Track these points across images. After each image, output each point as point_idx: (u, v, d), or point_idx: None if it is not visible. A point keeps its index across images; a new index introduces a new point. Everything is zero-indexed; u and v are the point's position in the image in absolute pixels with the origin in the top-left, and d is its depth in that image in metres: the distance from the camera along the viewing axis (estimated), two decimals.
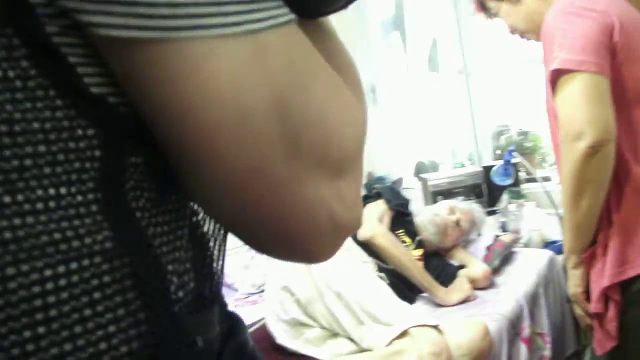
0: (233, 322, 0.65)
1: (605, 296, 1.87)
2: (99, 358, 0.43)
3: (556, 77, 1.76)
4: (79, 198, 0.42)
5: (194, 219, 0.56)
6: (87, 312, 0.42)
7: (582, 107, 1.70)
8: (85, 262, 0.42)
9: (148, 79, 0.41)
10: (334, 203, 0.50)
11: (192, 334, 0.50)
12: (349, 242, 2.68)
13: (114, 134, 0.44)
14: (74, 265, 0.42)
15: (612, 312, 1.87)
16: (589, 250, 1.89)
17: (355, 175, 0.53)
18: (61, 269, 0.41)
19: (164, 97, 0.42)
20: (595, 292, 1.89)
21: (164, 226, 0.49)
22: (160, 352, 0.46)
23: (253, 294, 3.38)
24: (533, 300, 2.90)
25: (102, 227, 0.43)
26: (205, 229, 0.58)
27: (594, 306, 1.90)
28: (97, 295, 0.43)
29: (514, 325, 2.61)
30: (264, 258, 3.49)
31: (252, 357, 0.65)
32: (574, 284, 2.00)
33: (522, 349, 2.65)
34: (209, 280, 0.57)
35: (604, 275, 1.84)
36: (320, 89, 0.48)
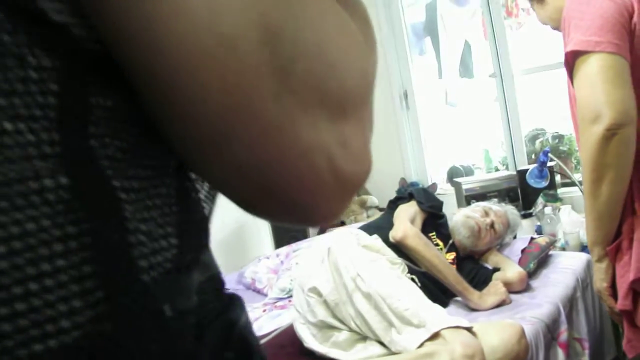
0: (229, 301, 0.57)
1: (634, 292, 1.76)
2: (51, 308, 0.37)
3: (572, 60, 1.70)
4: (30, 137, 0.36)
5: (184, 179, 0.49)
6: (32, 270, 0.36)
7: (598, 88, 1.63)
8: (32, 212, 0.36)
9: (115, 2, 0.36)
10: (336, 149, 0.44)
11: (159, 301, 0.43)
12: (379, 242, 2.62)
13: (75, 68, 0.38)
14: (18, 216, 0.35)
15: None
16: (614, 243, 1.79)
17: (362, 121, 0.47)
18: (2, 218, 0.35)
19: (133, 20, 0.36)
20: (623, 287, 1.78)
21: (136, 181, 0.43)
22: (119, 319, 0.40)
23: (282, 298, 3.32)
24: (570, 304, 2.80)
25: (56, 172, 0.37)
26: (197, 190, 0.52)
27: (622, 303, 1.80)
28: (44, 251, 0.36)
29: (550, 330, 2.52)
30: (293, 262, 3.45)
31: (242, 337, 0.56)
32: (599, 279, 1.92)
33: (560, 354, 2.56)
34: (194, 247, 0.49)
35: (630, 269, 1.73)
36: (318, 15, 0.42)
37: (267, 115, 0.39)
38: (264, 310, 3.25)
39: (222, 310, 0.55)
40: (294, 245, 3.88)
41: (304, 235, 4.46)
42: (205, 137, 0.40)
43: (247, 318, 0.58)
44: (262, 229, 4.65)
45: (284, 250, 3.90)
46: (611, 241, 1.81)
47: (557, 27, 2.00)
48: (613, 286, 1.88)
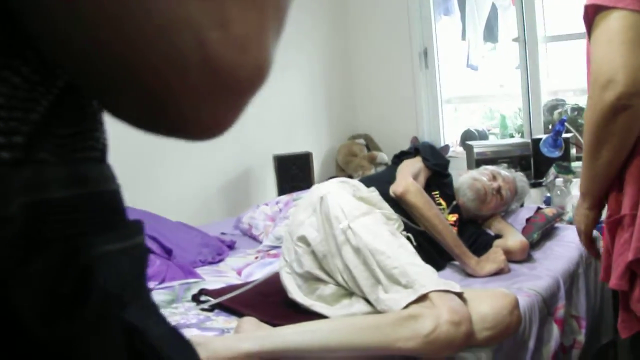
0: (108, 226, 0.48)
1: (631, 272, 1.64)
2: None
3: (593, 14, 1.54)
4: None
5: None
6: None
7: (615, 50, 1.47)
8: None
9: None
10: (210, 29, 0.36)
11: None
12: (376, 195, 2.50)
13: None
14: None
15: (639, 291, 1.64)
16: (614, 217, 1.67)
17: (260, 5, 0.39)
18: None
19: None
20: (620, 266, 1.65)
21: None
22: None
23: (276, 247, 3.23)
24: (571, 279, 2.69)
25: None
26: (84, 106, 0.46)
27: (616, 282, 1.67)
28: None
29: (547, 304, 2.41)
30: (291, 211, 3.35)
31: (88, 270, 0.44)
32: (585, 224, 1.84)
33: (554, 330, 2.44)
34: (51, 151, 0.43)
35: (630, 248, 1.61)
36: None
37: None
38: (256, 257, 3.18)
39: (81, 234, 0.45)
40: (295, 194, 3.78)
41: (308, 185, 4.36)
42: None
43: (128, 255, 0.49)
44: (267, 175, 4.55)
45: (285, 198, 3.82)
46: (604, 195, 1.74)
47: None
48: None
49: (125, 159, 3.59)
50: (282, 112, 4.77)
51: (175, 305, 2.52)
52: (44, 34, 0.37)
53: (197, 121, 0.39)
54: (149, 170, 3.87)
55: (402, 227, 2.49)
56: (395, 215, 2.48)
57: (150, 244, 2.94)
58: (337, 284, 2.22)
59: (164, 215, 3.50)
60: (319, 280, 2.25)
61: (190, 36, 0.35)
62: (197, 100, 0.38)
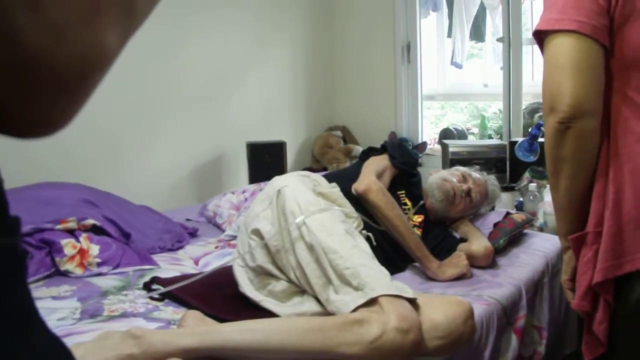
0: None
1: (594, 293, 1.57)
2: None
3: (539, 42, 1.55)
4: None
5: None
6: None
7: (554, 75, 1.46)
8: None
9: None
10: (18, 9, 0.31)
11: None
12: (337, 192, 2.43)
13: None
14: None
15: (601, 313, 1.56)
16: (577, 233, 1.61)
17: None
18: None
19: None
20: (582, 286, 1.59)
21: None
22: None
23: (237, 237, 3.14)
24: (535, 289, 2.62)
25: None
26: None
27: (578, 303, 1.61)
28: None
29: (507, 313, 2.34)
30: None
31: None
32: (564, 270, 1.76)
33: (513, 340, 2.38)
34: None
35: (593, 268, 1.54)
36: None
37: None
38: (216, 247, 3.11)
39: None
40: (262, 184, 3.70)
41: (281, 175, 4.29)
42: None
43: None
44: (240, 163, 4.47)
45: (252, 187, 3.75)
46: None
47: None
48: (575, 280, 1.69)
49: (93, 138, 3.55)
50: (260, 99, 4.70)
51: (125, 292, 2.45)
52: None
53: (18, 117, 0.34)
54: (117, 150, 3.79)
55: (362, 226, 2.42)
56: (355, 214, 2.41)
57: (108, 227, 2.86)
58: (289, 280, 2.14)
59: (131, 198, 3.42)
60: (271, 275, 2.18)
61: None
62: (11, 93, 0.32)
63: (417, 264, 2.60)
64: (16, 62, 0.31)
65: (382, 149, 2.84)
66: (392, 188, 2.68)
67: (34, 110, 0.34)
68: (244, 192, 3.70)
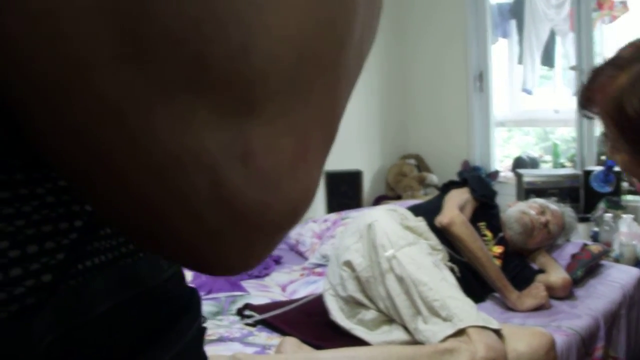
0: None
1: None
2: None
3: None
4: None
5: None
6: None
7: None
8: None
9: None
10: (225, 163, 0.27)
11: None
12: (423, 225, 2.54)
13: None
14: None
15: None
16: None
17: (299, 122, 0.29)
18: None
19: None
20: None
21: None
22: None
23: (321, 265, 3.28)
24: (613, 320, 2.68)
25: None
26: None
27: None
28: None
29: (586, 344, 2.42)
30: (339, 230, 3.40)
31: None
32: None
33: None
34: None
35: None
36: None
37: (99, 94, 0.25)
38: (301, 275, 3.23)
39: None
40: (343, 213, 3.82)
41: (357, 203, 4.40)
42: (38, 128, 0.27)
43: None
44: (318, 191, 4.55)
45: (333, 216, 3.86)
46: None
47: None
48: None
49: None
50: None
51: (220, 317, 2.58)
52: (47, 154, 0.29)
53: (216, 261, 0.32)
54: None
55: (447, 257, 2.53)
56: (440, 246, 2.52)
57: None
58: (378, 310, 2.27)
59: None
60: (361, 305, 2.30)
61: (201, 174, 0.27)
62: (214, 243, 0.30)
63: (496, 294, 2.70)
64: (223, 217, 0.28)
65: (462, 182, 2.95)
66: (473, 220, 2.77)
67: (238, 256, 0.32)
68: (325, 221, 3.80)
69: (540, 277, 2.78)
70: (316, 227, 3.76)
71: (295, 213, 0.32)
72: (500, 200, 3.14)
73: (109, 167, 0.27)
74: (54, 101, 0.25)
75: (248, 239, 0.31)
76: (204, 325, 0.53)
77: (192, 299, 0.50)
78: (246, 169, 0.28)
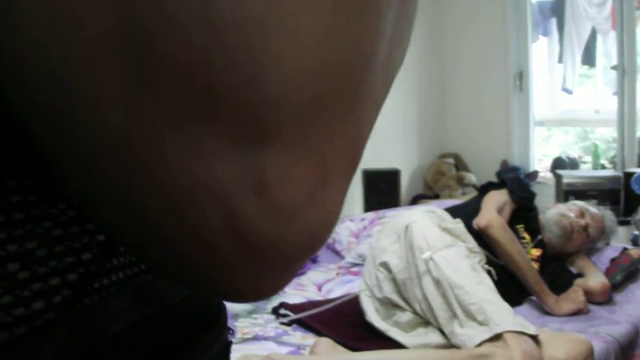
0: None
1: None
2: None
3: None
4: None
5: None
6: None
7: None
8: None
9: None
10: (238, 195, 0.26)
11: None
12: (461, 227, 2.53)
13: None
14: None
15: None
16: None
17: (315, 149, 0.27)
18: None
19: None
20: None
21: None
22: None
23: (358, 264, 3.28)
24: None
25: None
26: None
27: None
28: None
29: (624, 351, 2.38)
30: (376, 229, 3.40)
31: None
32: None
33: None
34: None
35: None
36: None
37: (108, 127, 0.25)
38: (337, 274, 3.24)
39: None
40: (380, 212, 3.82)
41: (395, 202, 4.39)
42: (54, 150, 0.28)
43: None
44: (355, 189, 4.58)
45: (370, 215, 3.86)
46: None
47: None
48: None
49: None
50: (374, 126, 4.79)
51: (255, 315, 2.59)
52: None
53: (229, 290, 0.31)
54: None
55: (485, 260, 2.51)
56: (478, 249, 2.51)
57: None
58: (414, 312, 2.26)
59: None
60: (396, 306, 2.30)
61: (213, 205, 0.26)
62: (227, 273, 0.29)
63: (534, 298, 2.68)
64: (237, 250, 0.28)
65: (501, 184, 2.93)
66: (512, 222, 2.75)
67: (255, 286, 0.31)
68: (362, 220, 3.81)
69: (578, 282, 2.75)
70: (353, 225, 3.77)
71: (312, 246, 0.30)
72: (538, 202, 3.11)
73: (120, 197, 0.27)
74: (63, 132, 0.25)
75: (262, 271, 0.30)
76: (232, 330, 0.53)
77: (218, 313, 0.49)
78: (260, 200, 0.27)
